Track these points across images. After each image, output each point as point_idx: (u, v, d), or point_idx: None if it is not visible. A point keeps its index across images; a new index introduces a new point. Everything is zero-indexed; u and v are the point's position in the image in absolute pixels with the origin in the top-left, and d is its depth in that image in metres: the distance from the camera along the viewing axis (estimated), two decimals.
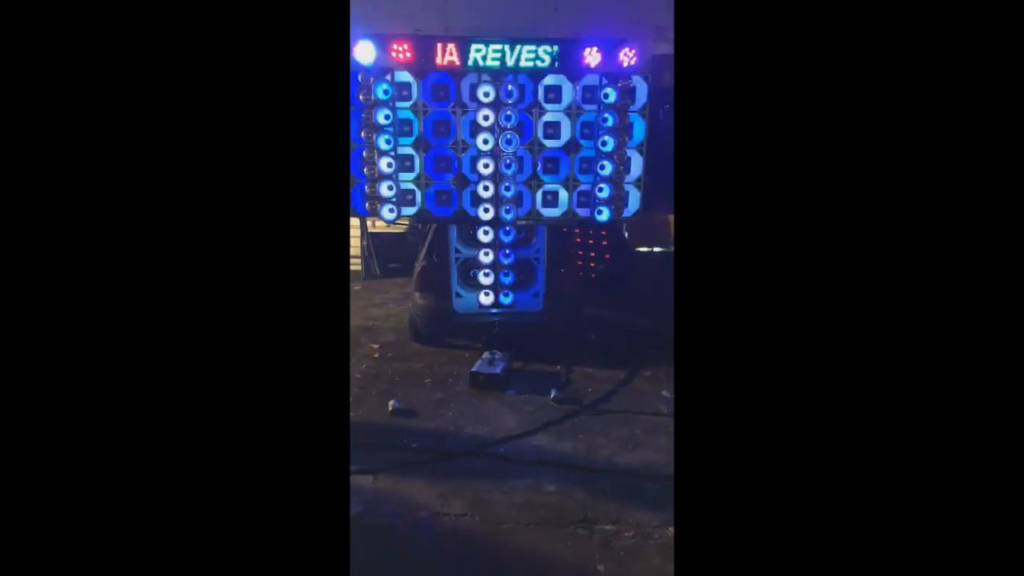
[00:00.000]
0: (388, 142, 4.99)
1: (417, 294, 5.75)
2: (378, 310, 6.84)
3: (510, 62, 4.86)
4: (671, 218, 7.38)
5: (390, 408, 4.52)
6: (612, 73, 4.93)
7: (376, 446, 3.98)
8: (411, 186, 5.17)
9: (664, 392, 4.89)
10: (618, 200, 5.21)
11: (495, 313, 5.49)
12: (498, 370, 4.99)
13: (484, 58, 4.85)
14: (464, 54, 4.84)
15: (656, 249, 7.20)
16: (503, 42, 4.81)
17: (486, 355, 5.20)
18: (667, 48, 5.30)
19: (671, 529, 3.19)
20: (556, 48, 4.85)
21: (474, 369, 5.01)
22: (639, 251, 7.19)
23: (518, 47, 4.82)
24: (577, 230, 6.60)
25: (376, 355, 5.63)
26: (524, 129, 5.05)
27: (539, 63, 4.88)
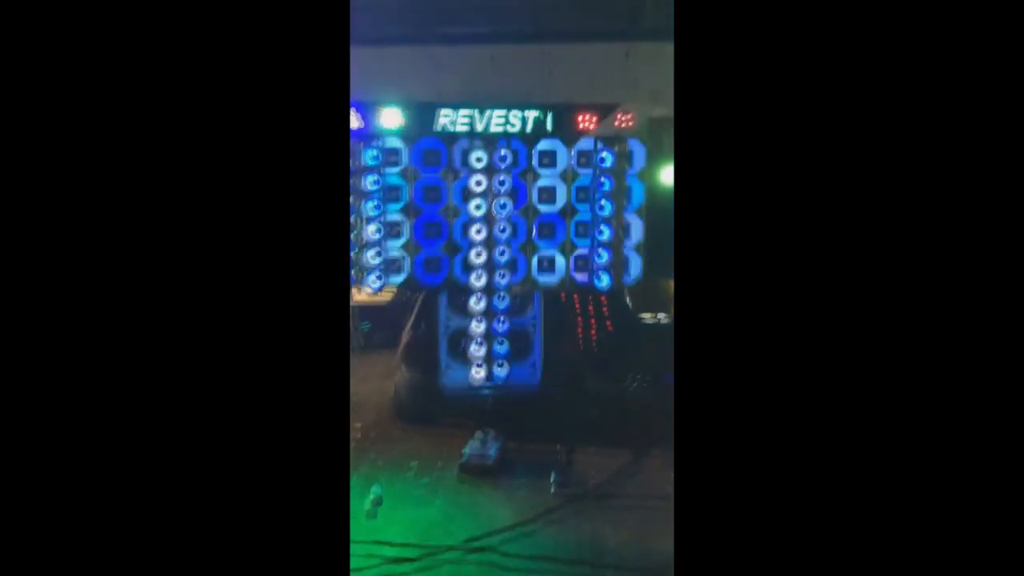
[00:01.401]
0: (376, 208, 4.85)
1: (403, 368, 5.46)
2: (361, 385, 6.45)
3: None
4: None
5: (371, 496, 4.13)
6: (608, 137, 4.87)
7: (354, 541, 3.56)
8: (399, 253, 5.00)
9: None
10: (618, 266, 5.02)
11: (488, 387, 5.15)
12: (491, 452, 4.63)
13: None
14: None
15: (661, 317, 6.91)
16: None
17: (478, 435, 4.82)
18: (663, 111, 5.28)
19: None
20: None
21: (464, 453, 4.65)
22: (643, 320, 6.92)
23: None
24: (576, 297, 6.38)
25: (358, 435, 5.24)
26: (518, 194, 4.94)
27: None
